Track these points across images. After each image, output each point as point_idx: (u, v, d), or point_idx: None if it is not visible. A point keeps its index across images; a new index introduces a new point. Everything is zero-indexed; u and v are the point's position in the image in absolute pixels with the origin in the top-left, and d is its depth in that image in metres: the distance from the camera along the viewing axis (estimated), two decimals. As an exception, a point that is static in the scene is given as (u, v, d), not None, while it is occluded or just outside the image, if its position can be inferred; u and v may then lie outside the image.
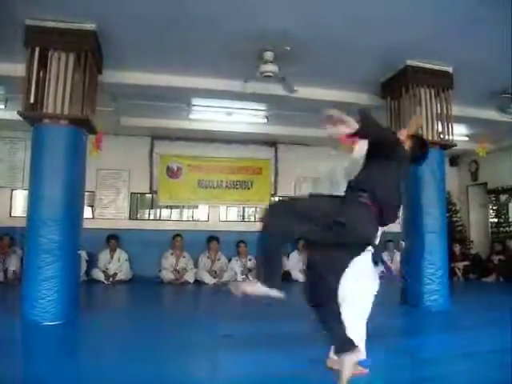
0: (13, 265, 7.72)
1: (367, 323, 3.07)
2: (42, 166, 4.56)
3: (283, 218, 2.38)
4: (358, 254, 2.58)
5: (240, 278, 8.37)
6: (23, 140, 8.37)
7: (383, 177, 2.56)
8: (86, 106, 4.80)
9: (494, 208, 10.77)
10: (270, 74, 5.38)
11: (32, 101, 4.61)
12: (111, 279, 8.10)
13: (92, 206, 9.08)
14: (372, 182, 2.52)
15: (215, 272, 8.46)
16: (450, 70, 5.83)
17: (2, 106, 7.07)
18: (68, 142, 4.67)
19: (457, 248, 9.48)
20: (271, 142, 9.79)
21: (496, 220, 10.75)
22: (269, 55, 5.28)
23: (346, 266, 2.54)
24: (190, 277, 8.29)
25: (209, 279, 8.22)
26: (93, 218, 8.96)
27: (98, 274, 8.11)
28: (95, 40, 4.86)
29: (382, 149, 2.53)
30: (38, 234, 4.44)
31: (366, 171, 2.64)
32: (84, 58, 4.77)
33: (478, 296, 7.21)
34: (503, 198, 10.33)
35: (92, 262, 8.27)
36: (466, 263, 9.31)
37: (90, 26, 4.72)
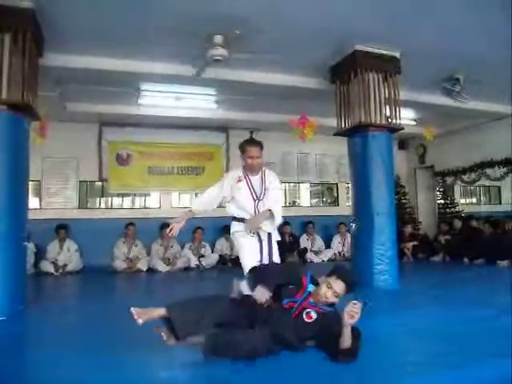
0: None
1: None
2: (-20, 154, 4.34)
3: None
4: None
5: (194, 264, 8.32)
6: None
7: None
8: (27, 91, 4.56)
9: (441, 190, 11.17)
10: (220, 58, 5.31)
11: (-35, 85, 4.36)
12: (61, 270, 7.86)
13: (39, 196, 8.77)
14: None
15: (168, 259, 8.38)
16: (397, 55, 5.94)
17: None
18: (8, 128, 4.43)
19: (408, 229, 9.76)
20: (222, 128, 9.72)
21: (443, 201, 11.16)
22: (218, 39, 5.21)
23: None
24: (143, 265, 8.18)
25: (162, 267, 8.13)
26: (40, 208, 8.67)
27: (46, 266, 7.86)
28: (33, 19, 4.59)
29: None
30: (-21, 225, 4.24)
31: None
32: (22, 38, 4.50)
33: (425, 275, 7.44)
34: (449, 180, 10.70)
35: (40, 253, 8.00)
36: (415, 243, 9.59)
37: (26, 3, 4.46)
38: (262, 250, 3.91)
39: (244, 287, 3.77)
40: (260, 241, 3.94)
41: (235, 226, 4.07)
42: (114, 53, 5.79)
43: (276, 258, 3.98)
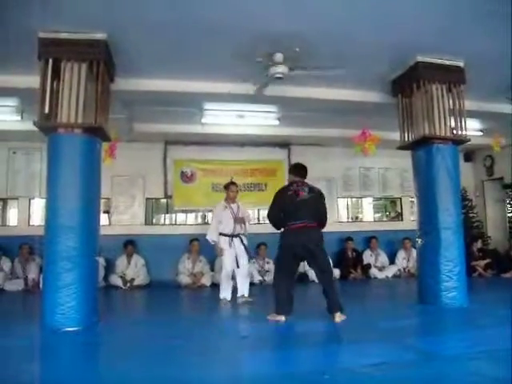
0: (32, 272, 7.86)
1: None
2: (57, 175, 4.65)
3: None
4: None
5: (257, 279, 8.38)
6: (39, 150, 8.48)
7: None
8: (99, 115, 4.87)
9: (511, 203, 10.64)
10: (281, 76, 5.39)
11: (47, 111, 4.70)
12: (129, 284, 8.17)
13: (108, 213, 9.18)
14: None
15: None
16: (461, 64, 5.79)
17: (19, 118, 7.19)
18: (82, 150, 4.74)
19: (477, 245, 9.40)
20: (284, 144, 9.80)
21: (513, 215, 10.64)
22: (278, 57, 5.30)
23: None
24: (207, 280, 8.32)
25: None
26: (109, 224, 9.07)
27: (115, 280, 8.19)
28: (106, 49, 4.93)
29: None
30: (56, 242, 4.52)
31: None
32: (96, 67, 4.86)
33: (497, 292, 7.12)
34: (520, 192, 10.21)
35: (110, 267, 8.36)
36: (488, 261, 9.21)
37: (100, 35, 4.81)
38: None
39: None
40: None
41: (221, 238, 6.40)
42: (178, 75, 6.02)
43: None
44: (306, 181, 5.04)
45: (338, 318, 4.51)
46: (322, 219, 4.90)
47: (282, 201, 4.86)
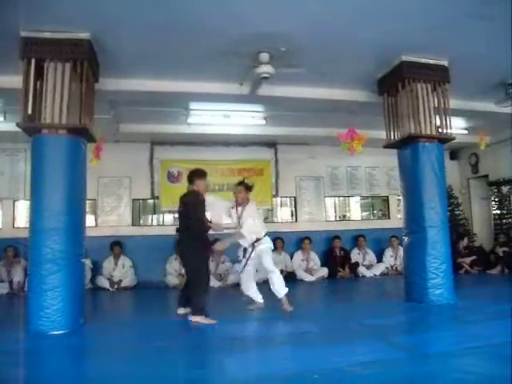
0: (18, 275, 7.75)
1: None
2: (42, 176, 4.59)
3: None
4: None
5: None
6: (24, 151, 8.40)
7: None
8: (84, 115, 4.81)
9: (496, 200, 10.75)
10: (267, 76, 5.39)
11: (30, 112, 4.63)
12: (116, 286, 8.12)
13: (95, 214, 9.10)
14: None
15: (220, 275, 8.48)
16: (445, 63, 5.83)
17: (2, 119, 7.11)
18: (67, 151, 4.68)
19: (463, 243, 9.49)
20: (271, 143, 9.81)
21: (499, 212, 10.73)
22: (264, 56, 5.29)
23: None
24: (195, 281, 8.27)
25: (214, 282, 8.22)
26: (96, 225, 8.99)
27: (102, 282, 8.14)
28: (90, 49, 4.87)
29: None
30: (41, 244, 4.46)
31: None
32: (80, 67, 4.80)
33: (483, 289, 7.20)
34: (505, 189, 10.30)
35: (97, 269, 8.28)
36: (473, 258, 9.32)
37: (84, 35, 4.75)
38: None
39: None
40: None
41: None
42: (164, 75, 5.99)
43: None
44: (193, 187, 5.09)
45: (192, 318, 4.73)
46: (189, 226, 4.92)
47: None
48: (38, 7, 4.26)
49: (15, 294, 7.53)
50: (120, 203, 9.23)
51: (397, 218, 10.03)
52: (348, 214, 10.82)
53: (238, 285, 8.19)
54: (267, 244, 5.53)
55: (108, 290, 8.05)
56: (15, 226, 8.77)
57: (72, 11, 4.37)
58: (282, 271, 8.68)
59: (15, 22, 4.43)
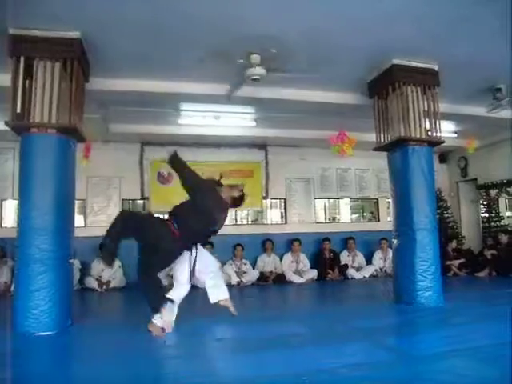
0: (4, 276, 7.67)
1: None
2: (31, 176, 4.54)
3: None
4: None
5: (234, 281, 8.35)
6: (12, 150, 8.32)
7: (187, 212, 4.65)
8: (74, 115, 4.78)
9: (485, 203, 10.85)
10: (258, 78, 5.38)
11: (19, 110, 4.59)
12: (105, 287, 8.07)
13: (84, 214, 9.04)
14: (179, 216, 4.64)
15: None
16: (435, 67, 5.87)
17: (-11, 117, 7.02)
18: (56, 150, 4.64)
19: (452, 245, 9.56)
20: (261, 145, 9.81)
21: (487, 215, 10.83)
22: (255, 58, 5.29)
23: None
24: (184, 282, 8.23)
25: (201, 284, 8.15)
26: (85, 226, 8.92)
27: (91, 282, 8.07)
28: (80, 48, 4.83)
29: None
30: (29, 244, 4.41)
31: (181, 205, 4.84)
32: (70, 66, 4.76)
33: (471, 291, 7.25)
34: (493, 192, 10.41)
35: (85, 270, 8.23)
36: (462, 261, 9.38)
37: (74, 33, 4.71)
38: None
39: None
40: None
41: None
42: (154, 75, 5.95)
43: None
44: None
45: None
46: None
47: None
48: (28, 5, 4.21)
49: (1, 294, 7.44)
50: (109, 203, 9.17)
51: (386, 221, 10.07)
52: (338, 216, 10.85)
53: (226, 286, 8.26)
54: None
55: (97, 290, 7.99)
56: (3, 225, 8.69)
57: (62, 10, 4.33)
58: (271, 273, 8.82)
59: (3, 19, 4.39)
